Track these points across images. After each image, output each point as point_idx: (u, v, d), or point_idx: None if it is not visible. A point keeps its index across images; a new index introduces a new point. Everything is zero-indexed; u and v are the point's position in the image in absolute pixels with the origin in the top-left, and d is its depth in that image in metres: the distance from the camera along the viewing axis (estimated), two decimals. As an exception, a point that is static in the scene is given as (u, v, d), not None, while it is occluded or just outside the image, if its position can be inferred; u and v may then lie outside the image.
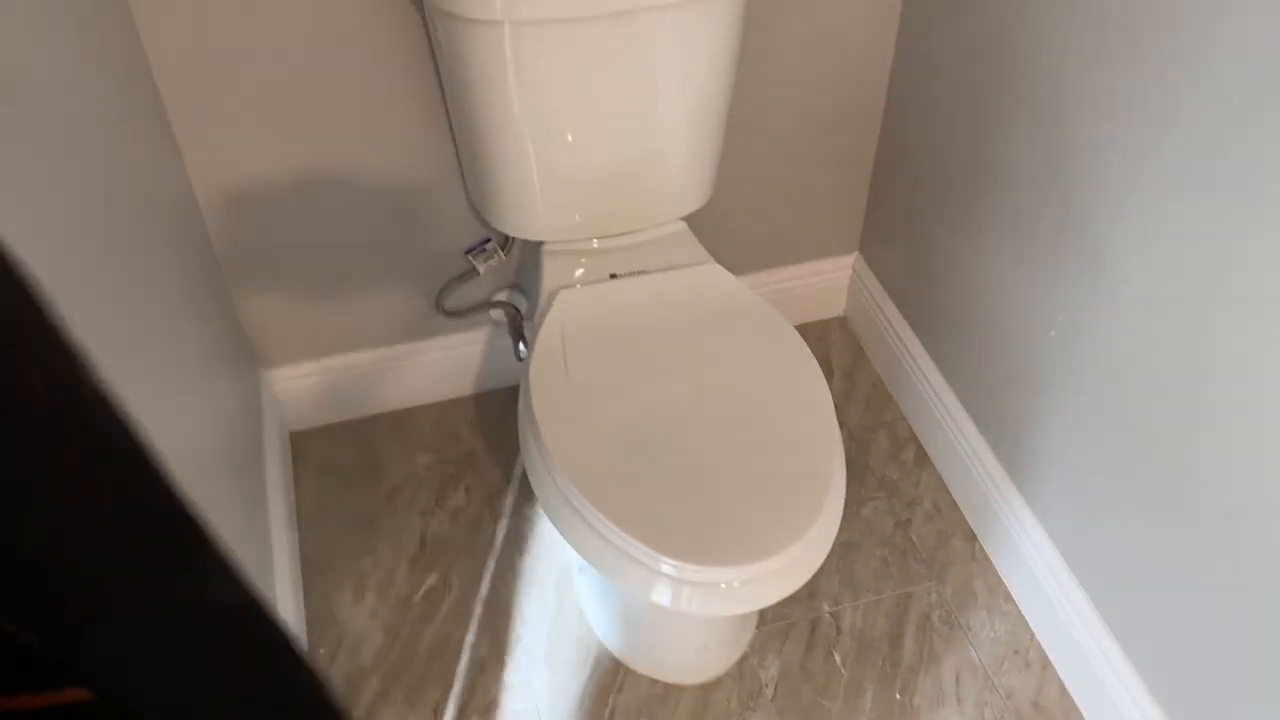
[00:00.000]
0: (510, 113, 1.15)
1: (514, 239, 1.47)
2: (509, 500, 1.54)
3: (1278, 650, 0.97)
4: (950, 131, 1.38)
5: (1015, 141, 1.23)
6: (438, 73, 1.26)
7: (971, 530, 1.49)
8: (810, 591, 1.42)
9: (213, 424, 1.16)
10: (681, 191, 1.31)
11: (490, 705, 1.31)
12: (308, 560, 1.46)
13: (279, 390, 1.55)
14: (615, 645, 1.36)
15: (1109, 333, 1.13)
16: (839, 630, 1.39)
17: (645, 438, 1.08)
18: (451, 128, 1.31)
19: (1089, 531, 1.24)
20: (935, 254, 1.48)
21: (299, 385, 1.56)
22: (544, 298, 1.26)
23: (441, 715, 1.30)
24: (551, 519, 1.09)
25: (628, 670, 1.34)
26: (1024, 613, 1.39)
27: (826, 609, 1.41)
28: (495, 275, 1.53)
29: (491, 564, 1.46)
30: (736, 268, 1.65)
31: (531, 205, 1.26)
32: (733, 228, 1.59)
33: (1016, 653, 1.36)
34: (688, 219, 1.35)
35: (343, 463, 1.58)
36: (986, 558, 1.46)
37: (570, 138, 1.19)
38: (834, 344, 1.77)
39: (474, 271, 1.47)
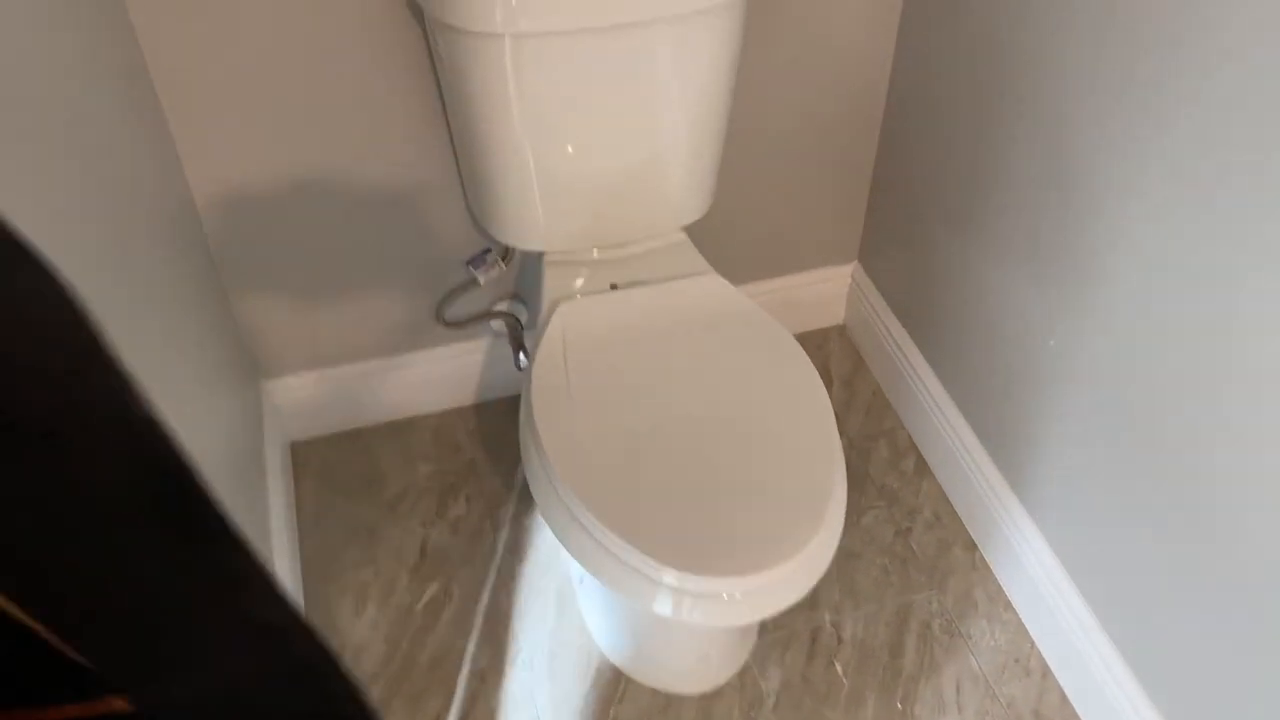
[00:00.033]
0: (511, 124, 1.16)
1: (514, 249, 1.47)
2: (510, 510, 1.54)
3: (1277, 658, 0.98)
4: (949, 141, 1.38)
5: (1014, 151, 1.24)
6: (438, 83, 1.27)
7: (971, 539, 1.49)
8: (811, 601, 1.42)
9: (213, 434, 1.16)
10: (681, 202, 1.32)
11: (491, 716, 1.31)
12: (309, 570, 1.45)
13: (279, 400, 1.55)
14: (617, 655, 1.36)
15: (1108, 342, 1.13)
16: (840, 640, 1.39)
17: (647, 448, 1.08)
18: (452, 139, 1.32)
19: (1089, 540, 1.24)
20: (934, 263, 1.49)
21: (299, 395, 1.56)
22: (545, 308, 1.26)
23: (443, 726, 1.31)
24: (553, 529, 1.10)
25: (629, 681, 1.34)
26: (1024, 621, 1.39)
27: (828, 618, 1.41)
28: (495, 285, 1.53)
29: (492, 574, 1.46)
30: (736, 276, 1.65)
31: (532, 216, 1.26)
32: (732, 237, 1.60)
33: (1017, 661, 1.36)
34: (687, 228, 1.35)
35: (343, 473, 1.58)
36: (987, 566, 1.46)
37: (571, 149, 1.20)
38: (833, 353, 1.78)
39: (474, 282, 1.48)
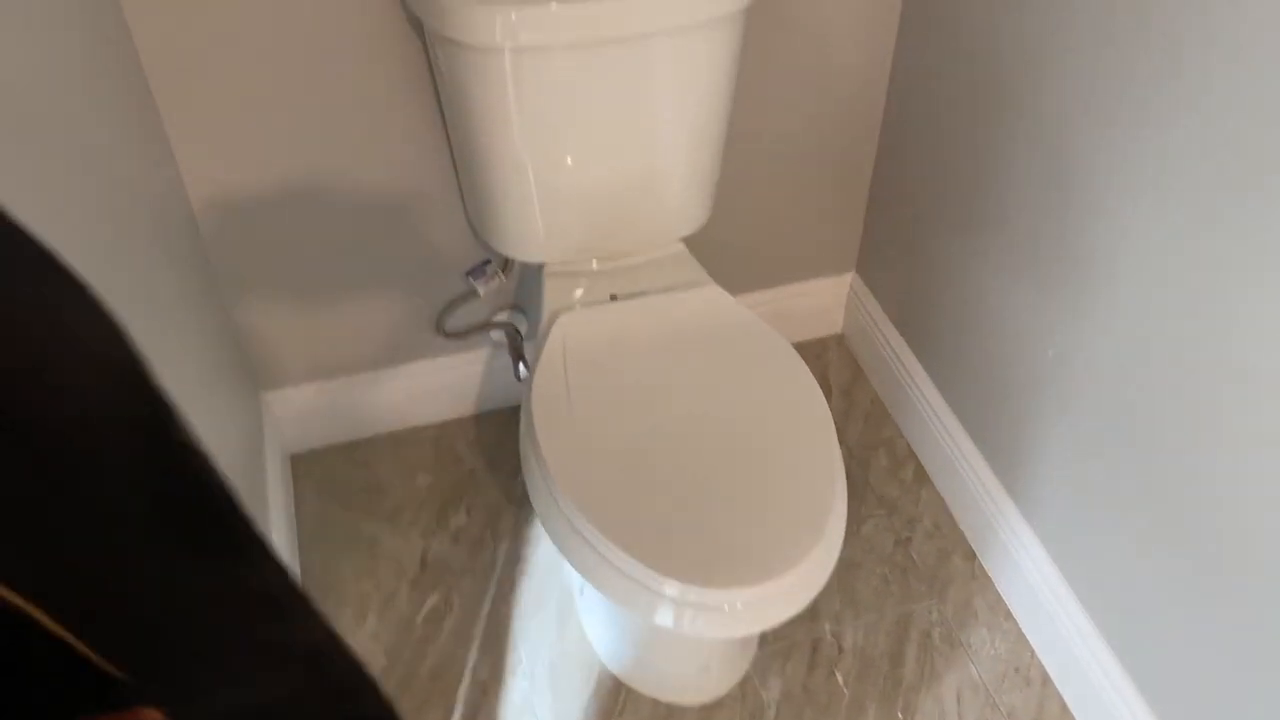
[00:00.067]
0: (510, 137, 1.16)
1: (514, 260, 1.47)
2: (510, 521, 1.54)
3: (1277, 667, 0.98)
4: (947, 149, 1.39)
5: (1014, 158, 1.24)
6: (437, 95, 1.27)
7: (971, 548, 1.50)
8: (812, 611, 1.42)
9: (213, 446, 1.16)
10: (680, 213, 1.32)
11: (492, 727, 1.31)
12: (309, 582, 1.45)
13: (279, 411, 1.55)
14: (617, 666, 1.36)
15: (1108, 349, 1.14)
16: (840, 649, 1.39)
17: (647, 459, 1.08)
18: (452, 151, 1.32)
19: (1088, 548, 1.24)
20: (932, 272, 1.49)
21: (299, 407, 1.56)
22: (545, 319, 1.26)
23: (443, 738, 1.30)
24: (553, 540, 1.10)
25: (630, 691, 1.34)
26: (1024, 630, 1.39)
27: (828, 628, 1.41)
28: (495, 296, 1.54)
29: (493, 585, 1.46)
30: (734, 286, 1.66)
31: (531, 228, 1.27)
32: (731, 247, 1.60)
33: (1017, 670, 1.36)
34: (686, 239, 1.36)
35: (343, 484, 1.58)
36: (986, 575, 1.46)
37: (570, 161, 1.20)
38: (832, 362, 1.78)
39: (474, 293, 1.48)
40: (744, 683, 1.35)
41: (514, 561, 1.49)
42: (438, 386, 1.62)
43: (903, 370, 1.62)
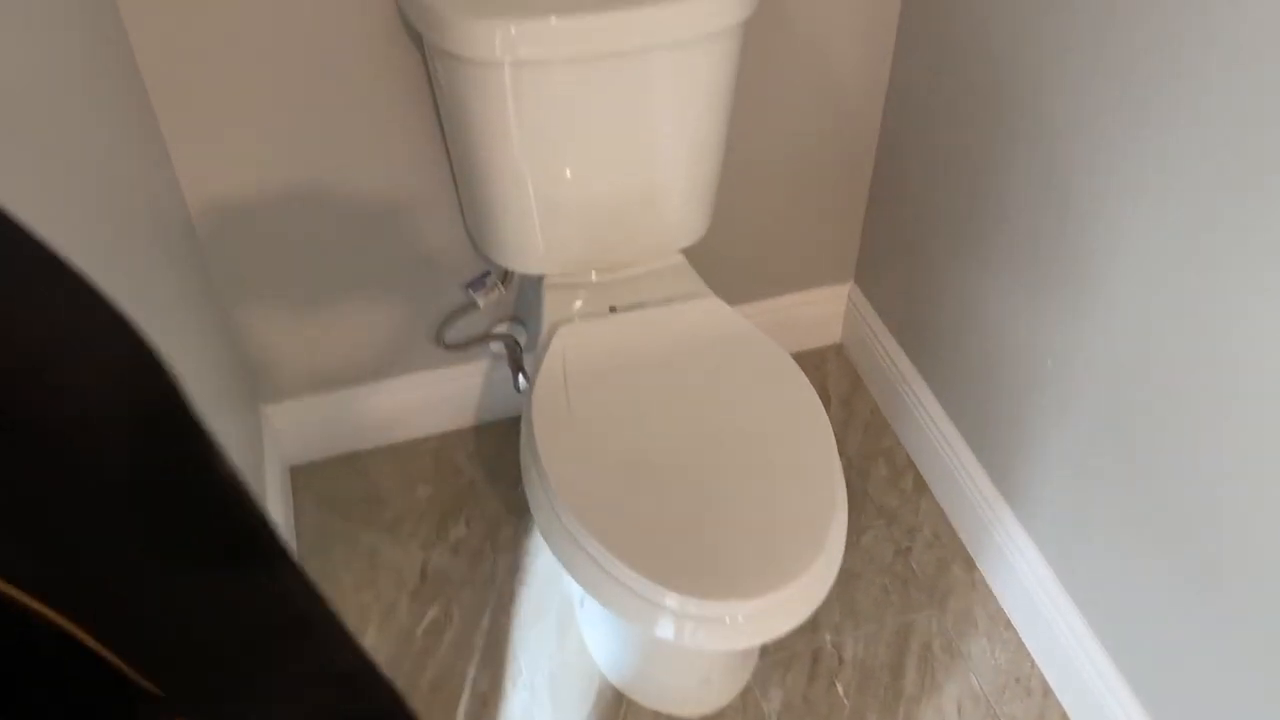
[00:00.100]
0: (510, 150, 1.17)
1: (513, 272, 1.48)
2: (510, 532, 1.54)
3: (1278, 674, 0.98)
4: (945, 158, 1.40)
5: (1012, 163, 1.25)
6: (436, 108, 1.28)
7: (970, 557, 1.50)
8: (812, 622, 1.42)
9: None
10: (679, 225, 1.32)
11: (493, 739, 1.31)
12: (309, 594, 1.45)
13: (278, 424, 1.55)
14: (618, 678, 1.36)
15: (1107, 356, 1.14)
16: (841, 660, 1.39)
17: (647, 471, 1.08)
18: (451, 164, 1.32)
19: (1087, 558, 1.24)
20: (930, 282, 1.49)
21: (298, 419, 1.56)
22: (544, 331, 1.27)
23: (444, 750, 1.30)
24: (554, 552, 1.10)
25: (630, 703, 1.34)
26: (1024, 640, 1.39)
27: (828, 639, 1.41)
28: (494, 308, 1.54)
29: (493, 596, 1.46)
30: (733, 297, 1.66)
31: (531, 240, 1.27)
32: (729, 258, 1.61)
33: (1018, 681, 1.36)
34: (685, 250, 1.36)
35: (343, 496, 1.58)
36: (986, 585, 1.46)
37: (570, 174, 1.21)
38: (831, 372, 1.78)
39: (474, 305, 1.48)
40: (745, 694, 1.35)
41: (514, 573, 1.48)
42: (437, 398, 1.62)
43: (901, 380, 1.62)
